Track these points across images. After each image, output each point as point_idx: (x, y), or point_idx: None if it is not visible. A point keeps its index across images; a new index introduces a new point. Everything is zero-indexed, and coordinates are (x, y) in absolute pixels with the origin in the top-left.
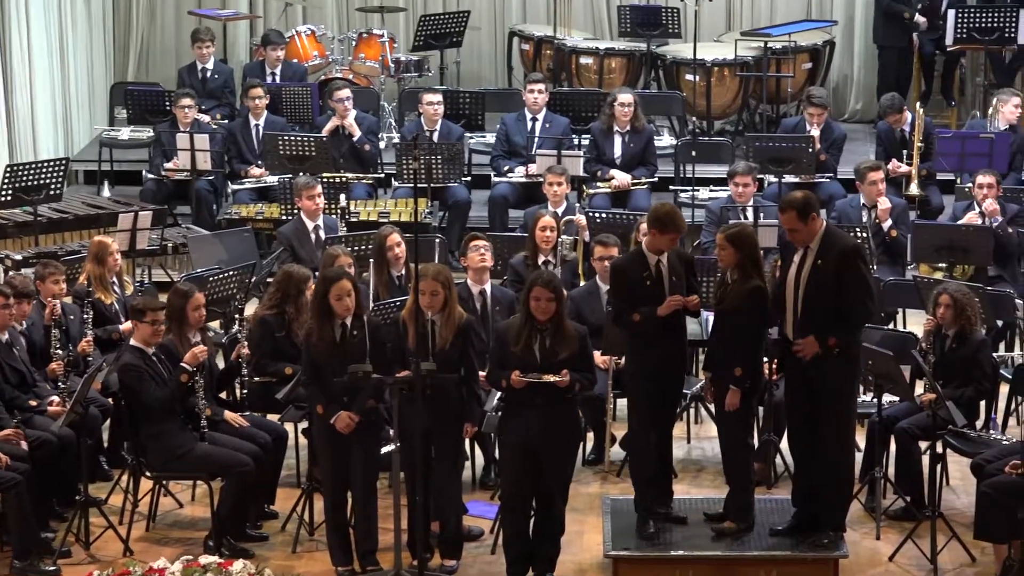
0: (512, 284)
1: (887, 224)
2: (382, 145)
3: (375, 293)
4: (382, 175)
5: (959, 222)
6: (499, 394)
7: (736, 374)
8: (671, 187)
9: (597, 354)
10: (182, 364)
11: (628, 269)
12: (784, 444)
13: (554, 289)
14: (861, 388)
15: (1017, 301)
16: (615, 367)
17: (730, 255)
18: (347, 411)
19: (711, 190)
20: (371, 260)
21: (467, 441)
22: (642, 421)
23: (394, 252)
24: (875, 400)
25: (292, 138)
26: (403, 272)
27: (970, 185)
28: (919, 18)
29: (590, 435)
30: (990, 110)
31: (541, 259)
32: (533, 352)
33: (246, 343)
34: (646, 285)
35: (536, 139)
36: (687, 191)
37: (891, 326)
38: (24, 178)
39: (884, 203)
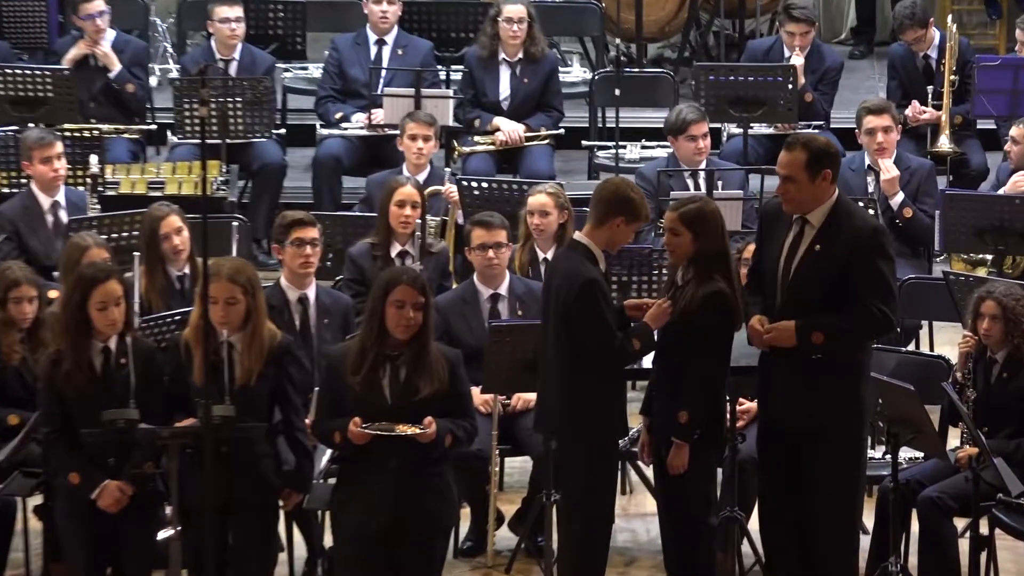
0: (350, 286)
1: (897, 199)
2: (153, 82)
3: (143, 302)
4: (153, 126)
5: (1009, 191)
6: (330, 453)
7: (680, 420)
8: (584, 143)
9: (475, 391)
10: None
11: (603, 281)
12: (754, 523)
13: (422, 289)
14: (869, 439)
15: None
16: (502, 411)
17: (685, 244)
18: (116, 480)
19: (643, 147)
20: (137, 254)
21: (282, 521)
22: (603, 495)
23: (171, 242)
24: (888, 457)
25: (18, 72)
26: (186, 271)
27: None
28: None
29: (465, 511)
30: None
31: (396, 249)
32: (381, 389)
33: None
34: (611, 300)
35: (383, 72)
36: (608, 148)
37: (912, 346)
38: None
39: (888, 169)
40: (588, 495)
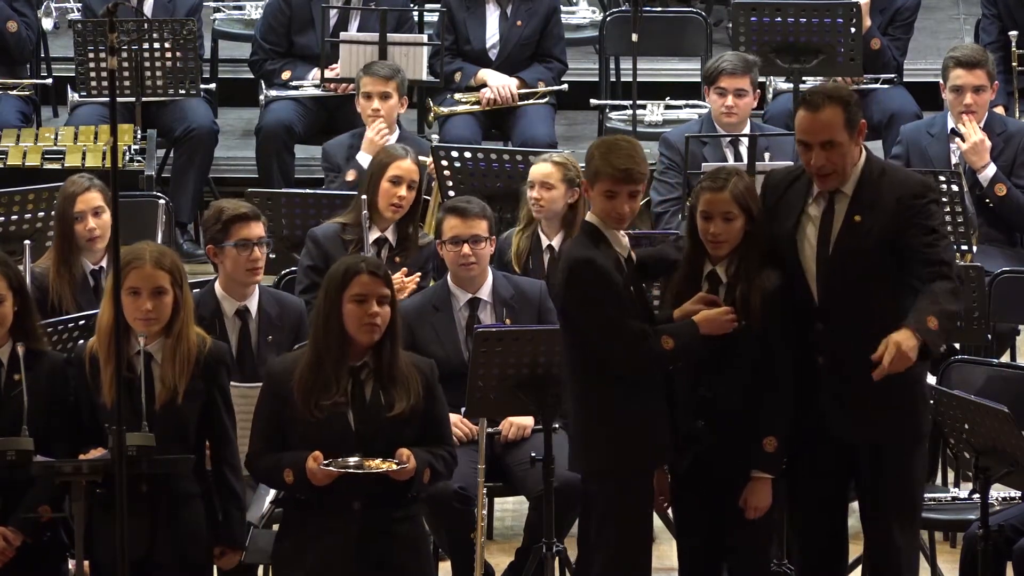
0: (308, 275)
1: (988, 172)
2: (48, 25)
3: (52, 300)
4: (48, 81)
5: None
6: (274, 494)
7: (767, 449)
8: (593, 102)
9: (455, 417)
10: None
11: (604, 262)
12: None
13: (387, 280)
14: (951, 473)
15: None
16: (501, 440)
17: (738, 231)
18: (2, 527)
19: (667, 107)
20: (28, 243)
21: None
22: (630, 547)
23: (85, 223)
24: (977, 497)
25: None
26: (103, 264)
27: None
28: None
29: (445, 564)
30: None
31: (373, 234)
32: (343, 411)
33: None
34: (629, 289)
35: (334, 12)
36: (623, 109)
37: (1006, 357)
38: None
39: (971, 131)
40: (611, 549)
